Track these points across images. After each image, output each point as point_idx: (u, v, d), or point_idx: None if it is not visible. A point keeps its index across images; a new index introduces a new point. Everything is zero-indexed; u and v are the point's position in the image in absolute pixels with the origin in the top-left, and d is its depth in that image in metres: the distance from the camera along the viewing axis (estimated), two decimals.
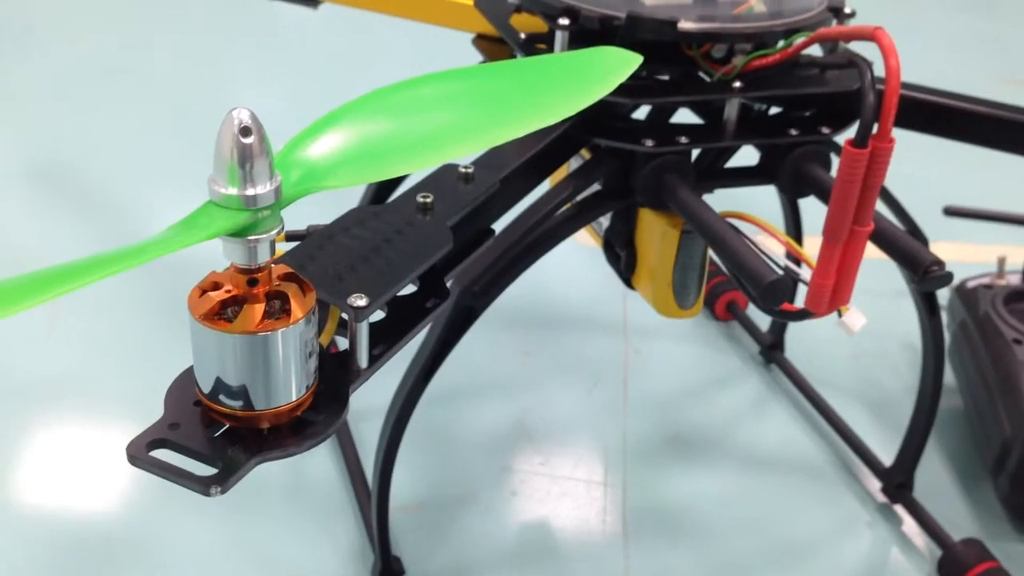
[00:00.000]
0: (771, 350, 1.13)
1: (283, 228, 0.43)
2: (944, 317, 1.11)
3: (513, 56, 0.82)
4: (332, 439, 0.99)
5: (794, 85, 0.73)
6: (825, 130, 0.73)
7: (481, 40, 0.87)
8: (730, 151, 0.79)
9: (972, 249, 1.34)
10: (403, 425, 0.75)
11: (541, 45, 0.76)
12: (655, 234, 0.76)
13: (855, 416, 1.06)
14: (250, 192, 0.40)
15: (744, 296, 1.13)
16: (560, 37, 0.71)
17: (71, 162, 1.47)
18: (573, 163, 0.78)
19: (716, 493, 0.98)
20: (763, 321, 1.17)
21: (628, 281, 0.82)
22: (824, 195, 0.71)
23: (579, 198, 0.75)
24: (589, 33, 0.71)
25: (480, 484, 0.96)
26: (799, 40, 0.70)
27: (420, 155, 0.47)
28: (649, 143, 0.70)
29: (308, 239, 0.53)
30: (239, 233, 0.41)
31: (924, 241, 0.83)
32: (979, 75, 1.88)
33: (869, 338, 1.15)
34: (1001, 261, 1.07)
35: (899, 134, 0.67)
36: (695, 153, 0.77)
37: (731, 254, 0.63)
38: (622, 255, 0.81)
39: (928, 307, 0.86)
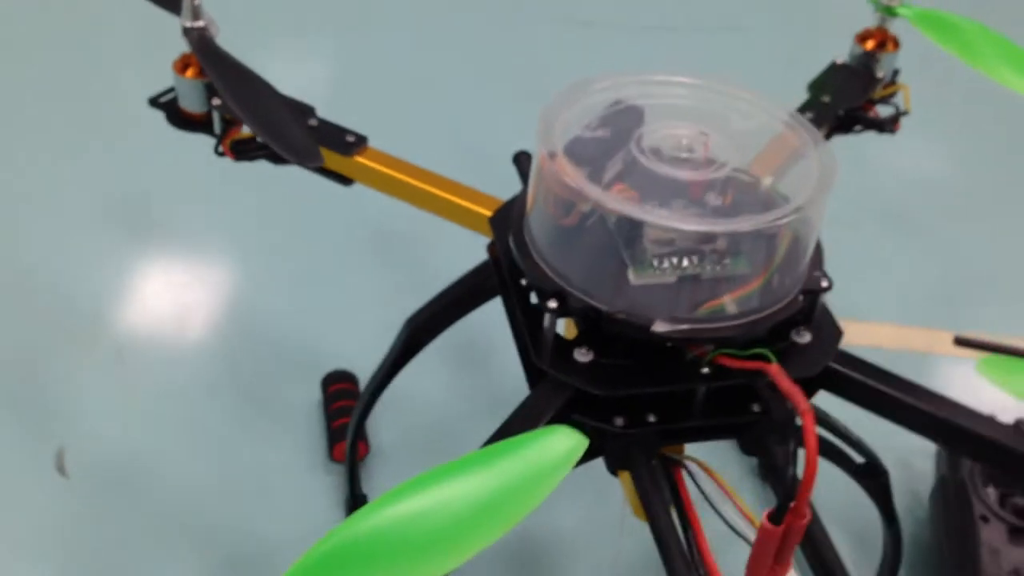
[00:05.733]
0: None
1: None
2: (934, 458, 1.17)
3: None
4: None
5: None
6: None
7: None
8: None
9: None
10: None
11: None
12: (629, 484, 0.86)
13: (838, 546, 1.13)
14: None
15: None
16: (548, 318, 0.78)
17: (146, 198, 1.58)
18: None
19: None
20: None
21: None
22: (774, 471, 0.79)
23: None
24: (574, 314, 0.78)
25: None
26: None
27: None
28: (619, 422, 0.78)
29: None
30: None
31: (884, 471, 0.89)
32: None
33: None
34: None
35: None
36: None
37: (665, 553, 0.73)
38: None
39: (887, 516, 0.93)
